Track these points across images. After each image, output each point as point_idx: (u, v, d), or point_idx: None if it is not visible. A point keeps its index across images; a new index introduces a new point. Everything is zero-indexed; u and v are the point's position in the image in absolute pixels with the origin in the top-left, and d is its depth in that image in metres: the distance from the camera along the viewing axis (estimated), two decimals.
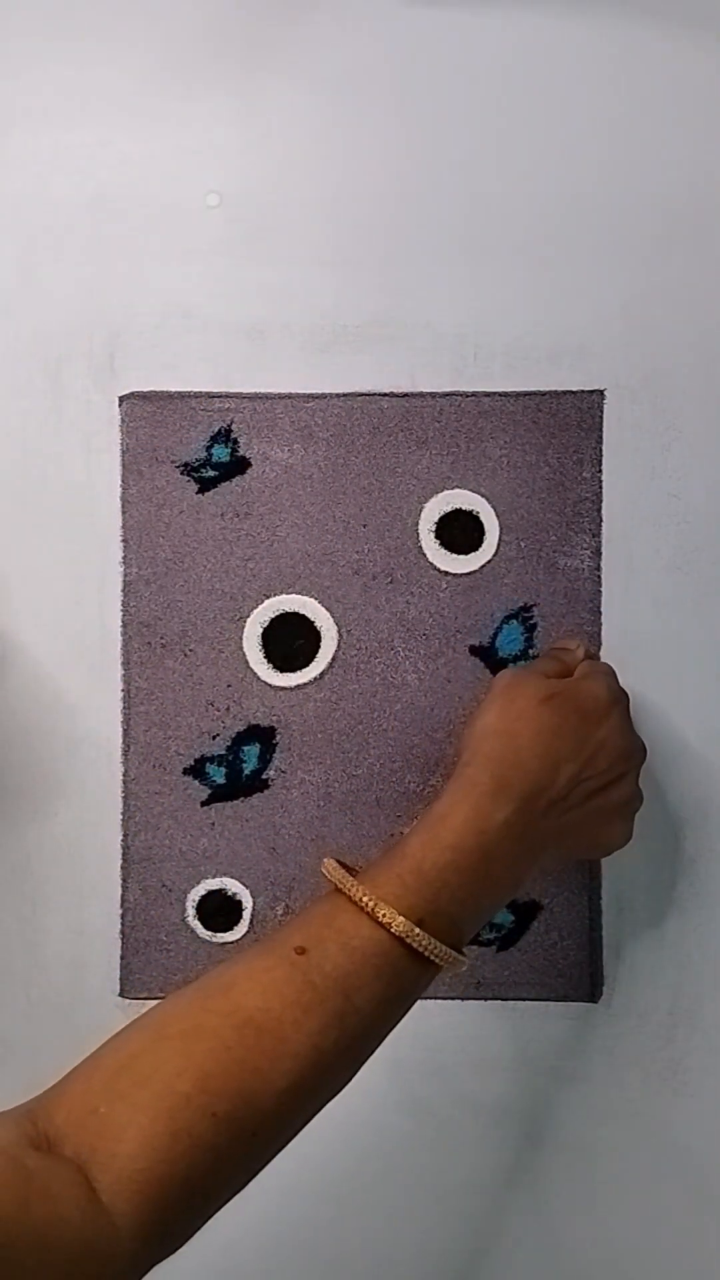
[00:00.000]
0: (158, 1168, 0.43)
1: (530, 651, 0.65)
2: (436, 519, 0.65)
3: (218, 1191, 0.45)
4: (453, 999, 0.65)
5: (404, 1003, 0.50)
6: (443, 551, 0.65)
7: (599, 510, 0.65)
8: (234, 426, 0.65)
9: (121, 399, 0.65)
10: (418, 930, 0.49)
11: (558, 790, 0.54)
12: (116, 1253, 0.42)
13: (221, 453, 0.65)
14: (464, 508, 0.65)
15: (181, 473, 0.65)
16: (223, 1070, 0.46)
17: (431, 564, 0.65)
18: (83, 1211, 0.41)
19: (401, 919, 0.49)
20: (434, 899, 0.50)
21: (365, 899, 0.49)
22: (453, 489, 0.65)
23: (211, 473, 0.65)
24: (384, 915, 0.49)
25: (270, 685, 0.65)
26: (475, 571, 0.65)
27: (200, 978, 0.51)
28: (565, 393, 0.65)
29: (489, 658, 0.65)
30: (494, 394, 0.65)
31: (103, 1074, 0.46)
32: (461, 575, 0.65)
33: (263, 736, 0.65)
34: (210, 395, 0.65)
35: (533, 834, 0.53)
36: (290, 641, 0.65)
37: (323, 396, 0.65)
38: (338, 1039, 0.47)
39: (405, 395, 0.65)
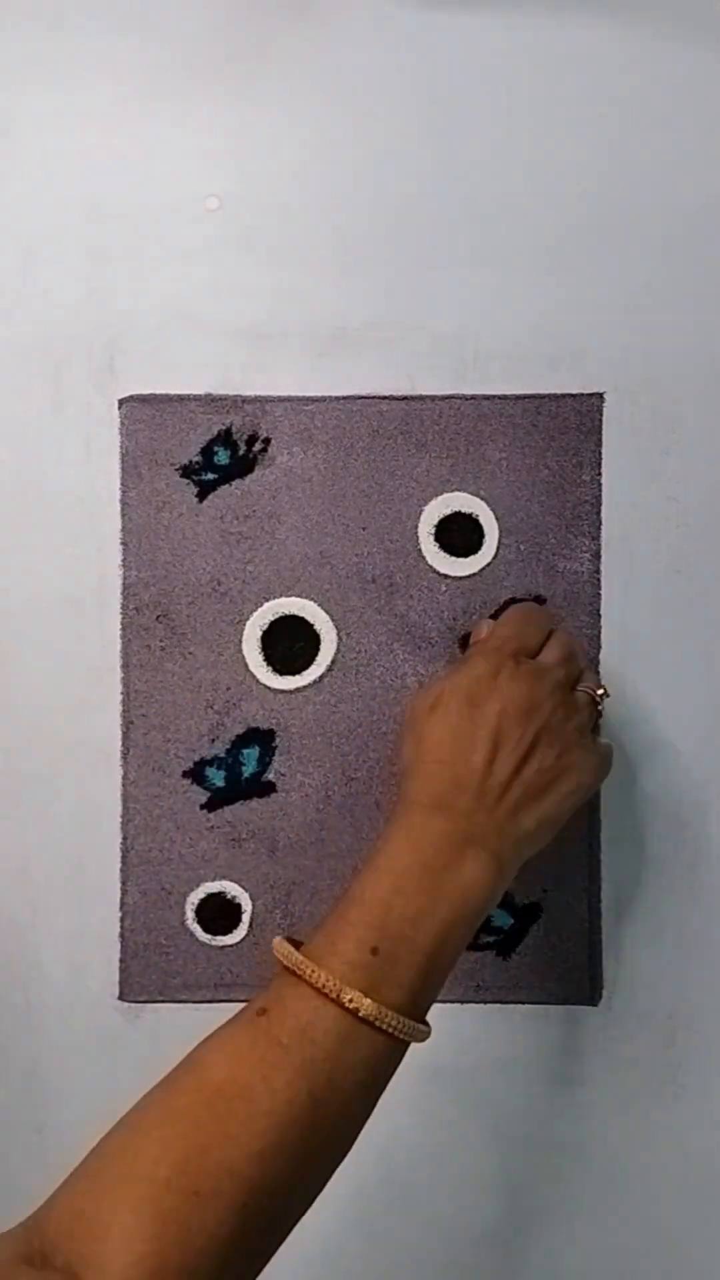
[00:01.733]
0: (148, 1260, 0.41)
1: None
2: (436, 522, 0.65)
3: (222, 1276, 0.43)
4: (453, 1003, 0.64)
5: (374, 1054, 0.49)
6: (442, 554, 0.65)
7: (598, 513, 0.65)
8: (234, 429, 0.65)
9: (121, 402, 0.65)
10: (380, 1009, 0.48)
11: (480, 779, 0.53)
12: None
13: (221, 456, 0.65)
14: (463, 510, 0.65)
15: (181, 475, 0.65)
16: (199, 1147, 0.44)
17: (431, 567, 0.65)
18: None
19: (368, 1001, 0.47)
20: (387, 941, 0.49)
21: (322, 981, 0.48)
22: (452, 492, 0.65)
23: (211, 476, 0.65)
24: (349, 1000, 0.47)
25: (270, 688, 0.65)
26: (475, 574, 0.65)
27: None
28: (564, 396, 0.65)
29: None
30: (493, 397, 0.65)
31: (86, 1177, 0.45)
32: (461, 578, 0.65)
33: (262, 739, 0.65)
34: (210, 398, 0.65)
35: (482, 831, 0.52)
36: (290, 644, 0.65)
37: (322, 399, 0.65)
38: (310, 1089, 0.46)
39: (405, 398, 0.65)
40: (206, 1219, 0.43)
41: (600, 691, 0.60)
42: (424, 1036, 0.50)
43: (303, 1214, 0.47)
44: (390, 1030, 0.48)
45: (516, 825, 0.53)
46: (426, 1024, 0.50)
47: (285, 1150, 0.45)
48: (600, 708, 0.60)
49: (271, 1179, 0.45)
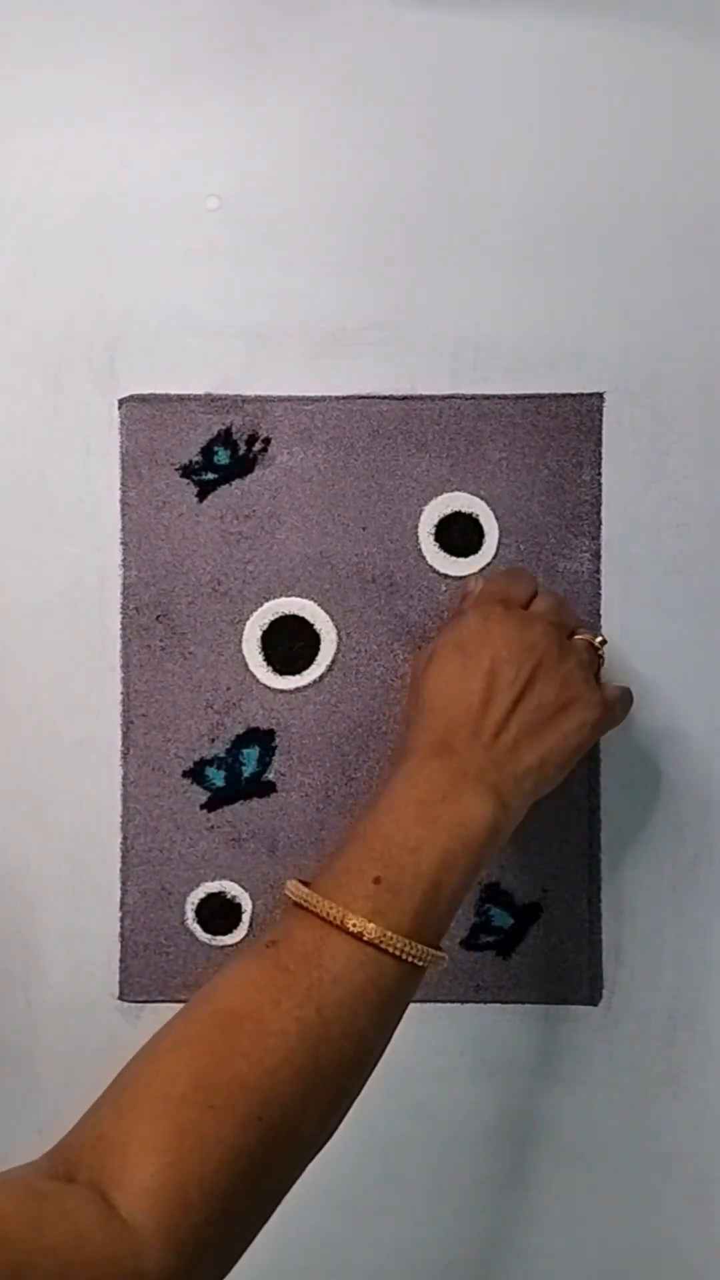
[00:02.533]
0: (167, 1171, 0.43)
1: None
2: (436, 521, 0.65)
3: (241, 1190, 0.45)
4: (453, 1002, 0.64)
5: (382, 976, 0.50)
6: (442, 554, 0.65)
7: (598, 513, 0.65)
8: (234, 429, 0.65)
9: (121, 402, 0.65)
10: (384, 932, 0.49)
11: (476, 719, 0.54)
12: (145, 1267, 0.41)
13: (221, 455, 0.65)
14: (463, 510, 0.65)
15: (181, 475, 0.65)
16: (212, 1064, 0.46)
17: (431, 566, 0.65)
18: (103, 1228, 0.41)
19: (371, 925, 0.49)
20: (390, 870, 0.50)
21: (326, 910, 0.50)
22: (452, 491, 0.65)
23: (211, 475, 0.65)
24: (353, 925, 0.49)
25: (270, 688, 0.65)
26: (475, 574, 0.65)
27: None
28: (565, 396, 0.65)
29: None
30: (494, 397, 0.65)
31: (105, 1104, 0.47)
32: (461, 578, 0.65)
33: (262, 739, 0.65)
34: (210, 398, 0.65)
35: (479, 767, 0.53)
36: (290, 644, 0.65)
37: (322, 399, 0.65)
38: (319, 1009, 0.47)
39: (405, 398, 0.65)
40: (223, 1131, 0.44)
41: (599, 639, 0.60)
42: (437, 961, 0.51)
43: (321, 1141, 0.49)
44: (397, 953, 0.49)
45: (516, 761, 0.54)
46: (440, 950, 0.51)
47: (296, 1066, 0.47)
48: (601, 654, 0.60)
49: (286, 1094, 0.46)
